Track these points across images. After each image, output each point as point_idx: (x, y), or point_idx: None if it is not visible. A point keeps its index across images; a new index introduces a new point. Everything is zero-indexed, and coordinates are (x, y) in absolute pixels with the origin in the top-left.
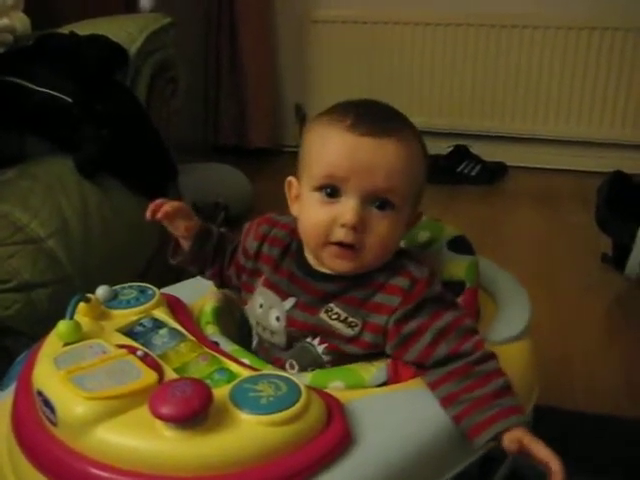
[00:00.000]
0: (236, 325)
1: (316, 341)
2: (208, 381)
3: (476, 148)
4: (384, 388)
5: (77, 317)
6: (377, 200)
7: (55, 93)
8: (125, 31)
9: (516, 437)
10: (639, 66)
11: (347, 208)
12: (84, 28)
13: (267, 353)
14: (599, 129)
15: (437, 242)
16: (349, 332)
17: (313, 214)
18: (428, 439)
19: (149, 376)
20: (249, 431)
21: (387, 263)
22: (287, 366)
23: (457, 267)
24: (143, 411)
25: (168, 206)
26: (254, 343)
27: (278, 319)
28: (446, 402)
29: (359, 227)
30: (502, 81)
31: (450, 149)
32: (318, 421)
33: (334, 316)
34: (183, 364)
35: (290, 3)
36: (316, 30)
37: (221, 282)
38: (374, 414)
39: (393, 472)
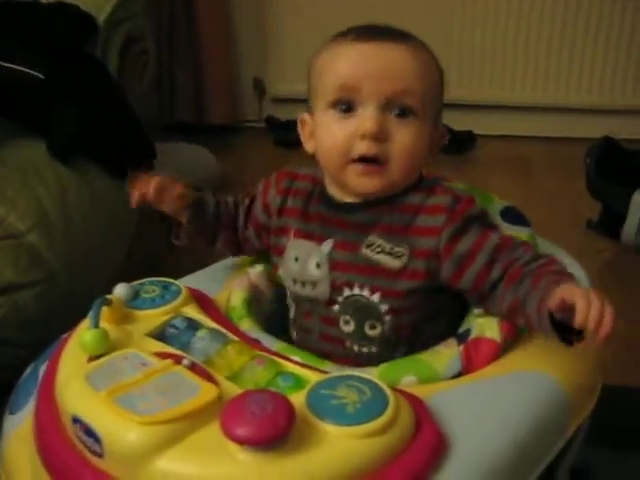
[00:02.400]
0: (265, 318)
1: (366, 291)
2: (274, 389)
3: (444, 118)
4: (461, 380)
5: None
6: (396, 106)
7: (24, 68)
8: None
9: (581, 291)
10: (612, 31)
11: (365, 117)
12: None
13: (309, 317)
14: (567, 94)
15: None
16: (396, 264)
17: (330, 133)
18: (520, 431)
19: (209, 390)
20: (339, 446)
21: (419, 184)
22: (342, 323)
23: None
24: (209, 433)
25: (155, 183)
26: (292, 312)
27: (319, 266)
28: (512, 312)
29: (380, 136)
30: (468, 48)
31: None
32: (409, 427)
33: (378, 249)
34: (235, 371)
35: None
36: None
37: (237, 249)
38: (459, 411)
39: (496, 472)
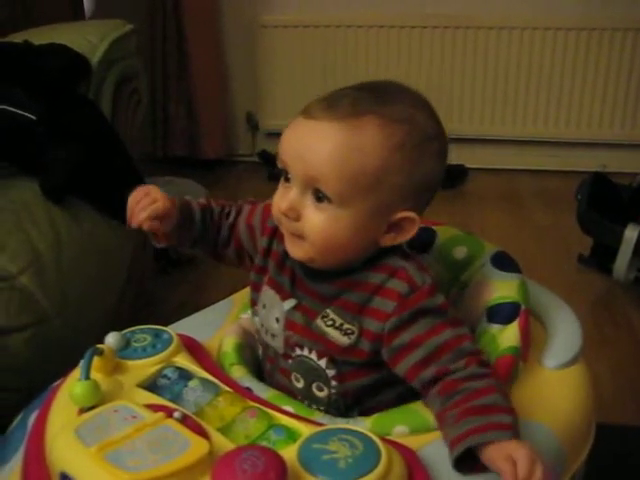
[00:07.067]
0: (257, 362)
1: (314, 355)
2: (265, 443)
3: None
4: None
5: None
6: (312, 189)
7: (16, 110)
8: (85, 39)
9: (504, 453)
10: (600, 67)
11: (290, 194)
12: (38, 36)
13: (272, 363)
14: (557, 128)
15: (478, 259)
16: (345, 341)
17: (274, 199)
18: None
19: (200, 445)
20: None
21: (382, 263)
22: (293, 379)
23: (508, 287)
24: None
25: (157, 209)
26: (260, 353)
27: (277, 320)
28: (438, 424)
29: (290, 215)
30: (458, 83)
31: None
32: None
33: (329, 322)
34: (227, 423)
35: (238, 8)
36: (265, 35)
37: (215, 257)
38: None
39: None
